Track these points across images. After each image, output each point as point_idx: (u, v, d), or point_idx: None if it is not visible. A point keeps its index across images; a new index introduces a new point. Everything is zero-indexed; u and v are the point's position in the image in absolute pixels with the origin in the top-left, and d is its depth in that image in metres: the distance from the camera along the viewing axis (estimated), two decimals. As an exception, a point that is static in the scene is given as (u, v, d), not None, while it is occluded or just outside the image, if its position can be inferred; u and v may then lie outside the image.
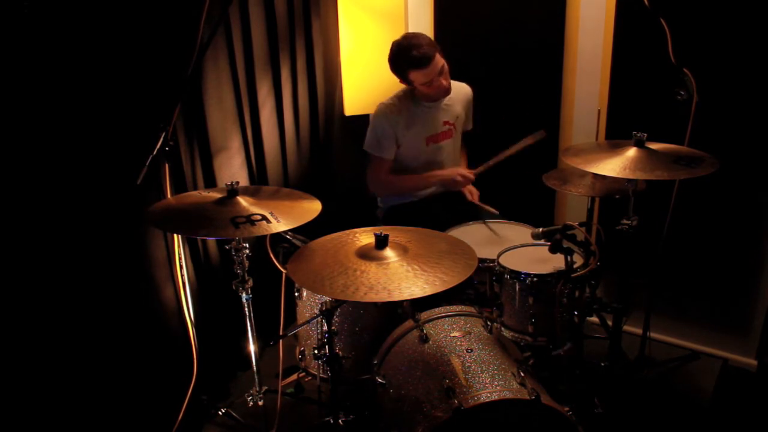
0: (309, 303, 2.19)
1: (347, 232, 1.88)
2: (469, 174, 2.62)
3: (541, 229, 1.95)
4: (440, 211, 2.72)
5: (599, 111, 2.45)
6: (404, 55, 2.46)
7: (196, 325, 2.21)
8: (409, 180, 2.69)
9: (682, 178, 1.98)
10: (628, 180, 2.07)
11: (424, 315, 1.98)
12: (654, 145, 2.09)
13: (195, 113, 2.28)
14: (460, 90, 2.76)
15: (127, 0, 1.94)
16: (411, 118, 2.62)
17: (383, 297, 1.52)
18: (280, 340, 2.24)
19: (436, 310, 2.00)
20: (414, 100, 2.64)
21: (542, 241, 1.98)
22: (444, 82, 2.53)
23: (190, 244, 2.32)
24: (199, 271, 2.38)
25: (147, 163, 1.86)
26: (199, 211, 1.86)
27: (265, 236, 2.04)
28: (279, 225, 1.79)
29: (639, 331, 2.52)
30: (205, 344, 2.24)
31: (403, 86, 2.66)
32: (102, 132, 1.93)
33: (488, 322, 1.94)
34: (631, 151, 2.04)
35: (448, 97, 2.69)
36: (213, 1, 2.04)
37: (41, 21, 1.71)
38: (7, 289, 1.73)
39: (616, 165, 1.98)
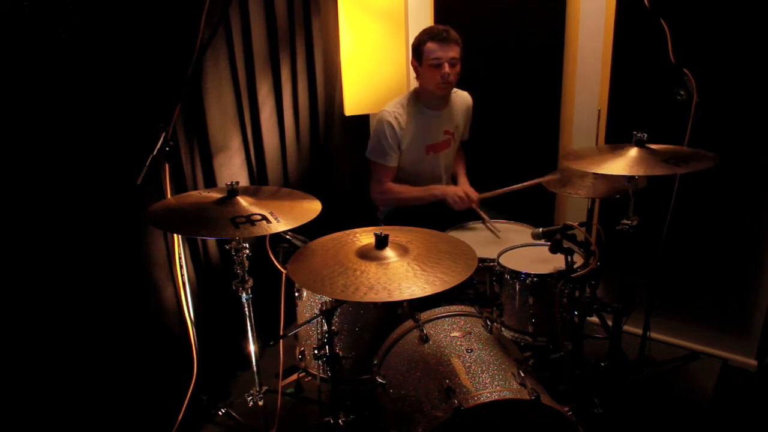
0: (309, 303, 2.19)
1: (347, 232, 1.88)
2: (474, 195, 2.59)
3: (541, 229, 1.95)
4: (440, 212, 2.72)
5: (599, 111, 2.45)
6: (429, 29, 2.56)
7: (196, 325, 2.21)
8: (410, 191, 2.68)
9: (683, 172, 1.97)
10: (628, 180, 2.07)
11: (424, 315, 1.98)
12: (654, 146, 2.08)
13: (195, 113, 2.28)
14: (462, 99, 2.77)
15: (128, 0, 1.94)
16: (414, 125, 2.63)
17: (383, 297, 1.52)
18: (280, 340, 2.24)
19: (436, 310, 2.00)
20: (417, 107, 2.64)
21: (542, 241, 1.98)
22: (450, 74, 2.52)
23: (190, 244, 2.32)
24: (199, 271, 2.38)
25: (147, 163, 1.86)
26: (199, 211, 1.86)
27: (265, 236, 2.04)
28: (279, 225, 1.79)
29: (639, 331, 2.52)
30: (205, 344, 2.24)
31: (405, 93, 2.67)
32: (102, 132, 1.93)
33: (488, 322, 1.93)
34: (632, 152, 2.04)
35: (450, 106, 2.70)
36: (213, 1, 2.04)
37: (41, 21, 1.71)
38: (8, 290, 1.73)
39: (618, 164, 1.98)
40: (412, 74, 2.72)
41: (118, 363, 2.05)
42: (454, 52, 2.52)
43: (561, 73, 2.80)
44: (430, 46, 2.51)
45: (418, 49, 2.57)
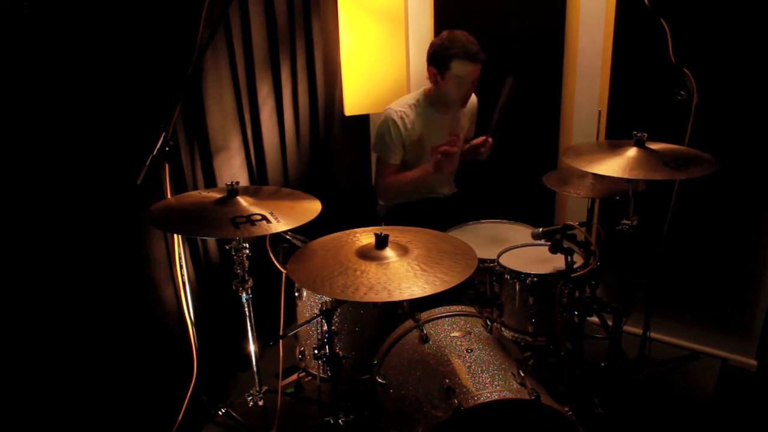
0: (309, 303, 2.19)
1: (347, 232, 1.88)
2: (454, 148, 2.51)
3: (541, 229, 1.95)
4: (441, 211, 2.72)
5: (600, 112, 2.45)
6: (459, 44, 2.43)
7: (196, 325, 2.21)
8: (406, 176, 2.64)
9: (682, 178, 1.98)
10: (628, 180, 2.07)
11: (424, 315, 1.98)
12: (654, 145, 2.09)
13: (195, 113, 2.28)
14: (470, 101, 2.76)
15: (128, 0, 1.94)
16: (421, 126, 2.61)
17: (383, 297, 1.52)
18: (280, 340, 2.24)
19: (436, 310, 2.00)
20: (426, 109, 2.62)
21: (542, 241, 1.98)
22: (470, 92, 2.54)
23: (190, 244, 2.32)
24: (199, 271, 2.38)
25: (147, 163, 1.86)
26: (199, 211, 1.86)
27: (265, 236, 2.04)
28: (279, 225, 1.79)
29: (639, 331, 2.52)
30: (205, 344, 2.24)
31: (412, 92, 2.65)
32: (102, 132, 1.93)
33: (488, 322, 1.93)
34: (631, 151, 2.04)
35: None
36: (213, 1, 2.04)
37: (41, 21, 1.71)
38: (8, 290, 1.73)
39: (617, 165, 1.98)
40: (413, 74, 2.71)
41: (118, 363, 2.05)
42: (479, 70, 2.48)
43: (561, 73, 2.80)
44: (459, 65, 2.43)
45: (442, 60, 2.46)
